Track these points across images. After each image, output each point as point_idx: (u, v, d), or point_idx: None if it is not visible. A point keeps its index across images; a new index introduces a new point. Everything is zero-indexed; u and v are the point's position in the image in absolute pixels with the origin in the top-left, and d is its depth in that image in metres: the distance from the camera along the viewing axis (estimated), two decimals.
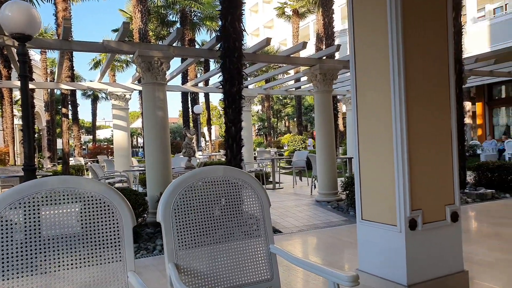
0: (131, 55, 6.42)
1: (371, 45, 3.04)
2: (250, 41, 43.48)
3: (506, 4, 21.32)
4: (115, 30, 24.94)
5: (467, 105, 21.48)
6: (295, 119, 32.74)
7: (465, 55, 12.71)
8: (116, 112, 9.93)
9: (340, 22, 27.76)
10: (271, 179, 10.99)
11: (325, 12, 16.67)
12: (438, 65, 2.97)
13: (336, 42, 17.44)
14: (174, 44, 6.56)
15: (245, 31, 6.12)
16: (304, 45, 7.06)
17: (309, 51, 22.29)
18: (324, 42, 16.81)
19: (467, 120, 21.31)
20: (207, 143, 31.35)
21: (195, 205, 1.77)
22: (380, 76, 2.94)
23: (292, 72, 12.65)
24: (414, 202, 2.81)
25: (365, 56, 3.11)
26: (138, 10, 15.78)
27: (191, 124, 24.09)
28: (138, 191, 9.36)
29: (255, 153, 16.79)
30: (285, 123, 43.33)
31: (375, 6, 2.96)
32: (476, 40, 16.83)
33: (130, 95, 9.93)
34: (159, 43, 19.46)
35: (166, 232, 1.66)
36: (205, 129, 31.15)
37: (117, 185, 8.57)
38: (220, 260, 1.77)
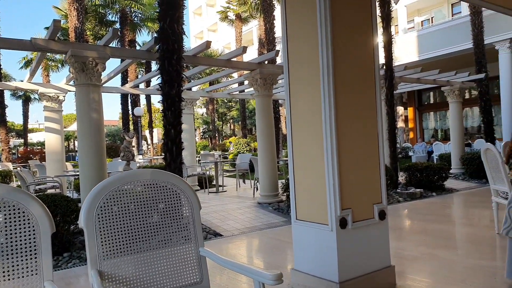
0: (65, 55, 6.11)
1: (302, 54, 3.15)
2: (194, 43, 43.13)
3: (432, 17, 23.02)
4: (48, 28, 23.55)
5: (400, 109, 22.88)
6: (240, 122, 32.92)
7: (397, 63, 13.52)
8: (48, 114, 9.36)
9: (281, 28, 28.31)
10: (214, 183, 10.93)
11: (266, 18, 16.98)
12: (365, 73, 3.14)
13: (278, 47, 17.80)
14: (113, 45, 6.34)
15: (184, 33, 6.06)
16: (244, 49, 7.13)
17: (253, 55, 22.53)
18: (266, 47, 17.09)
19: (400, 124, 22.70)
20: (148, 147, 30.55)
21: (120, 210, 1.71)
22: (311, 84, 3.06)
23: (236, 75, 12.71)
24: (344, 201, 2.94)
25: (297, 64, 3.22)
26: (74, 8, 15.07)
27: (131, 127, 23.36)
28: (73, 197, 8.89)
29: (198, 156, 16.64)
30: (230, 126, 43.36)
31: (307, 17, 3.07)
32: (406, 49, 17.98)
33: (64, 96, 9.41)
34: (98, 43, 18.73)
35: (88, 238, 1.60)
36: (146, 132, 30.35)
37: (49, 191, 8.08)
38: (147, 265, 1.73)
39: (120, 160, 9.44)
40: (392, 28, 9.42)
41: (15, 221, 1.49)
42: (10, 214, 1.49)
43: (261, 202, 7.90)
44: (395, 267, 3.28)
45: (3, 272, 1.45)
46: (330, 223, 2.92)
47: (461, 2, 17.86)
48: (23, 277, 1.47)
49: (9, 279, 1.45)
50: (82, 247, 4.99)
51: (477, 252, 4.22)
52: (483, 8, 12.46)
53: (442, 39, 16.55)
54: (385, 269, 3.19)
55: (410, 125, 23.50)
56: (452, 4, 21.82)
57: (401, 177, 9.43)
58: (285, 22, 3.30)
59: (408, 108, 23.40)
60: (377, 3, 8.96)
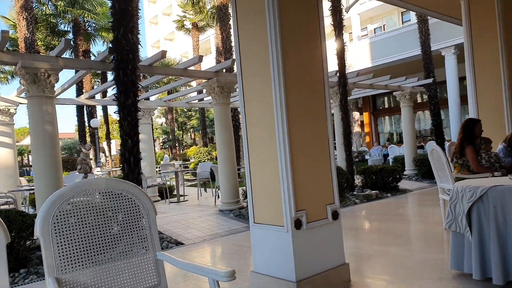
0: (15, 66, 5.92)
1: (255, 62, 3.27)
2: (151, 52, 42.54)
3: (384, 25, 24.08)
4: None
5: (356, 114, 23.66)
6: (200, 131, 32.74)
7: (351, 70, 14.00)
8: None
9: (233, 32, 28.61)
10: (175, 193, 10.84)
11: (222, 27, 17.11)
12: (314, 76, 3.30)
13: (235, 56, 17.98)
14: (66, 55, 6.23)
15: (140, 43, 6.06)
16: (200, 58, 7.20)
17: (212, 63, 22.58)
18: (223, 56, 17.21)
19: (357, 129, 23.46)
20: (107, 158, 29.74)
21: (77, 218, 1.74)
22: (264, 92, 3.18)
23: (194, 84, 12.70)
24: (298, 203, 3.07)
25: (250, 73, 3.34)
26: (23, 17, 14.50)
27: (88, 139, 22.69)
28: (28, 212, 8.52)
29: (158, 167, 16.38)
30: (190, 135, 43.03)
31: (258, 23, 3.20)
32: (360, 56, 18.67)
33: (15, 109, 9.05)
34: (50, 54, 18.05)
35: (45, 246, 1.62)
36: (104, 144, 29.54)
37: (2, 207, 7.72)
38: (105, 271, 1.77)
39: (78, 173, 9.18)
40: (347, 36, 9.83)
41: None
42: None
43: (222, 210, 7.95)
44: (349, 265, 3.44)
45: None
46: (286, 224, 3.04)
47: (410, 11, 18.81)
48: None
49: None
50: (39, 263, 4.84)
51: (427, 247, 4.49)
52: (429, 17, 13.21)
53: (394, 46, 17.31)
54: (340, 267, 3.34)
55: (366, 129, 24.32)
56: (402, 13, 22.92)
57: (358, 180, 9.78)
58: (237, 26, 3.42)
59: (364, 113, 24.23)
60: (329, 12, 9.30)
